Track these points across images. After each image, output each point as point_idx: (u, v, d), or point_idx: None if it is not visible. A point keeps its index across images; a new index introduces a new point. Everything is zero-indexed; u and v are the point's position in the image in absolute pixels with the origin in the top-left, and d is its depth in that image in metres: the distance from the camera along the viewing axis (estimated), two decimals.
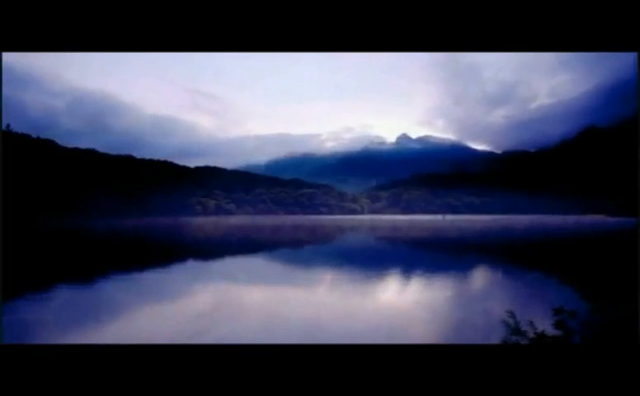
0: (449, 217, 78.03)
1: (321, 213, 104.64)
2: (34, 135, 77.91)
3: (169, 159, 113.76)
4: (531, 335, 2.61)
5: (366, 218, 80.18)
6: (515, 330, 2.73)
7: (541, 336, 2.54)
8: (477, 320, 6.08)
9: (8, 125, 67.10)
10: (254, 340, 4.98)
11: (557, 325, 2.47)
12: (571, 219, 68.06)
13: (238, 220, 59.28)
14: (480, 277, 10.44)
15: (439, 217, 77.41)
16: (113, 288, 8.29)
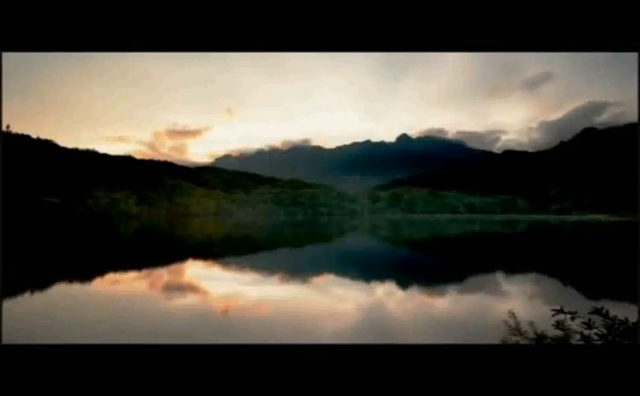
0: (448, 216, 78.04)
1: (320, 213, 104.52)
2: (34, 135, 78.12)
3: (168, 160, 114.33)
4: (531, 335, 2.62)
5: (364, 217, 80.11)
6: (516, 330, 2.73)
7: (541, 336, 2.54)
8: (477, 320, 6.08)
9: (8, 125, 67.06)
10: (253, 340, 4.97)
11: (557, 325, 2.47)
12: (570, 219, 68.03)
13: (238, 220, 59.29)
14: (480, 277, 10.44)
15: (438, 216, 77.45)
16: (113, 287, 8.28)
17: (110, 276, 9.78)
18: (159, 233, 30.15)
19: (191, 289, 8.32)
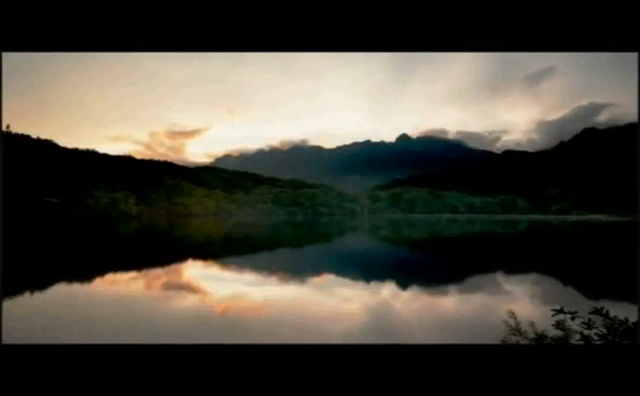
0: (448, 216, 78.00)
1: (320, 213, 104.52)
2: (34, 135, 78.21)
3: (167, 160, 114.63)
4: (531, 335, 2.62)
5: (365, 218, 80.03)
6: (516, 330, 2.74)
7: (541, 336, 2.54)
8: (477, 320, 6.08)
9: (8, 125, 67.02)
10: (253, 340, 4.97)
11: (557, 325, 2.47)
12: (570, 219, 68.03)
13: (238, 220, 59.29)
14: (480, 277, 10.44)
15: (438, 216, 77.46)
16: (113, 287, 8.29)
17: (110, 276, 9.78)
18: (159, 232, 30.16)
19: (191, 289, 8.32)
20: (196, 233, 29.69)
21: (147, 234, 28.18)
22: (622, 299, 7.41)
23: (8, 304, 6.58)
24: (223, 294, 7.94)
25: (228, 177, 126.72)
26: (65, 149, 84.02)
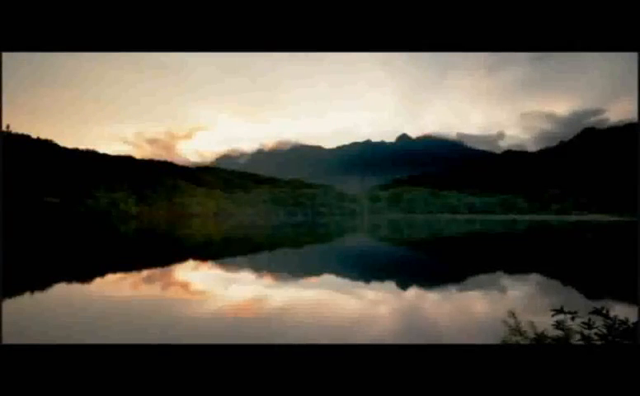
0: (449, 216, 77.97)
1: (320, 213, 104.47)
2: (34, 135, 78.29)
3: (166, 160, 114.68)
4: (531, 335, 2.62)
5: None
6: (516, 330, 2.74)
7: (541, 336, 2.55)
8: (477, 320, 6.09)
9: (8, 125, 67.03)
10: (252, 340, 4.97)
11: (557, 325, 2.47)
12: (570, 219, 68.03)
13: (238, 220, 59.25)
14: (480, 277, 10.44)
15: (439, 216, 77.42)
16: (113, 287, 8.29)
17: (111, 276, 9.78)
18: (159, 233, 30.16)
19: (190, 289, 8.32)
20: (196, 234, 29.69)
21: (147, 234, 28.18)
22: (622, 299, 7.41)
23: (8, 303, 6.58)
24: (223, 295, 7.94)
25: (228, 177, 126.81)
26: (65, 149, 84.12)
